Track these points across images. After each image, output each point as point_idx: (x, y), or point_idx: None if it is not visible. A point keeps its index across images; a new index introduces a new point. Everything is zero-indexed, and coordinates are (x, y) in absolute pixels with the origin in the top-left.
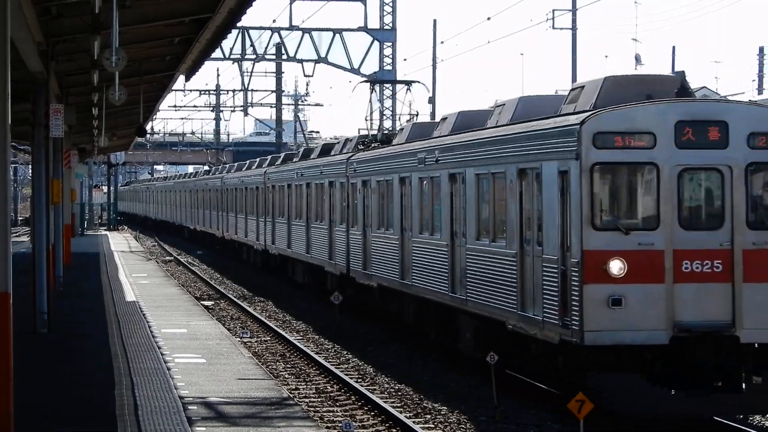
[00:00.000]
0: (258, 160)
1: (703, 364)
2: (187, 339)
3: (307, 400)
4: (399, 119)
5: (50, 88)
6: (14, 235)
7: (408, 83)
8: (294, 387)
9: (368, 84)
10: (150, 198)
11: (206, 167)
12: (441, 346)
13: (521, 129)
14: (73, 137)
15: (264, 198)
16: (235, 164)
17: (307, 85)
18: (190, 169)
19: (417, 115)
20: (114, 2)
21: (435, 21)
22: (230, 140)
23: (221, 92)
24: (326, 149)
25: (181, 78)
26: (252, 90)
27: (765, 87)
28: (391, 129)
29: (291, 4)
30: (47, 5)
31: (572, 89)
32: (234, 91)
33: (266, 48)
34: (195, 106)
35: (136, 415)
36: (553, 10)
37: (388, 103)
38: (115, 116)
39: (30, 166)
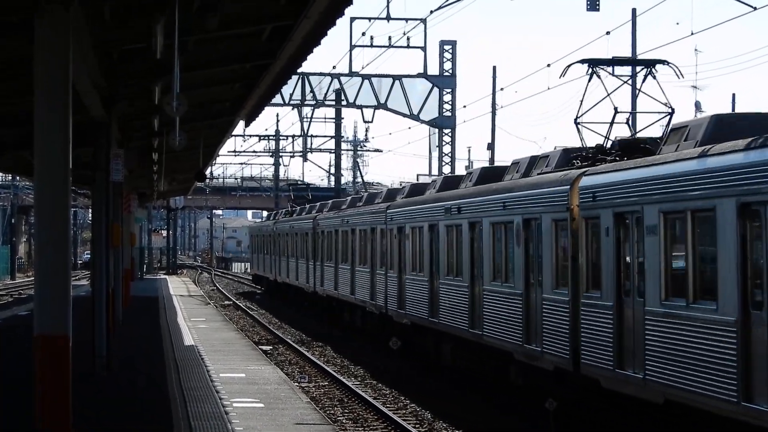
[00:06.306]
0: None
1: None
2: (245, 383)
3: None
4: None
5: (111, 132)
6: (74, 278)
7: None
8: None
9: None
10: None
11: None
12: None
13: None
14: (132, 181)
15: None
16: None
17: (367, 130)
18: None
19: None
20: (176, 48)
21: (495, 68)
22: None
23: (281, 137)
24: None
25: (241, 123)
26: (311, 135)
27: None
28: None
29: (351, 50)
30: (109, 50)
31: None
32: (294, 136)
33: (326, 94)
34: (254, 151)
35: None
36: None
37: (447, 149)
38: (175, 161)
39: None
